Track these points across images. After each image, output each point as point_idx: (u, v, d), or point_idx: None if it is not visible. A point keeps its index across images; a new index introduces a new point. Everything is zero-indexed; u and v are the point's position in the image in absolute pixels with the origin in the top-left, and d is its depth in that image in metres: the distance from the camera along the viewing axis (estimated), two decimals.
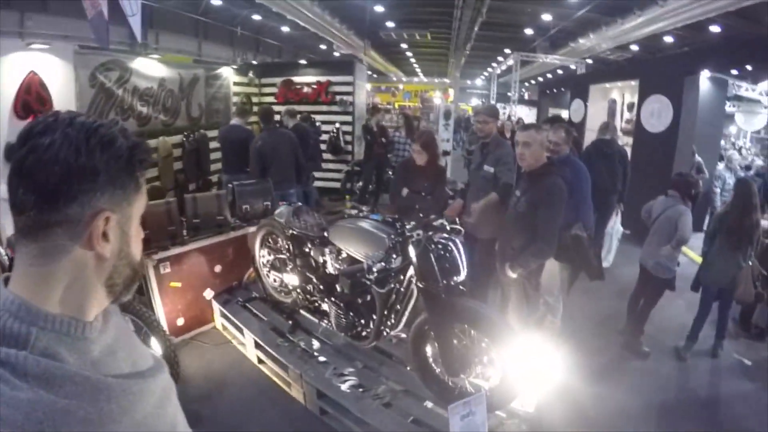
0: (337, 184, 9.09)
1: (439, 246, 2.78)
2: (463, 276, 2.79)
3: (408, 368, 3.17)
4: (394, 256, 2.82)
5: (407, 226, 2.84)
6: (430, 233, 2.81)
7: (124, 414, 0.71)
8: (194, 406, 3.22)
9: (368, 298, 3.05)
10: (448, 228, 2.92)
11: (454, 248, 2.80)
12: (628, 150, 7.83)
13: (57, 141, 0.68)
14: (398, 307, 2.97)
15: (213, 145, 7.03)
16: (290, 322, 3.80)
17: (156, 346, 3.06)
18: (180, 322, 3.98)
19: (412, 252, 2.74)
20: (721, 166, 7.85)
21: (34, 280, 0.71)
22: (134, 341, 0.89)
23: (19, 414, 0.60)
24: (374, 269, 2.76)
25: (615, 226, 6.04)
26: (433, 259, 2.69)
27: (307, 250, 3.65)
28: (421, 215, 3.00)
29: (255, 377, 3.61)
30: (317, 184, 8.51)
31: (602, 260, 5.96)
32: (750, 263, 3.97)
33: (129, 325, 3.02)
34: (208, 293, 4.16)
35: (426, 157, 4.03)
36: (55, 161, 0.68)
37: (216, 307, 4.18)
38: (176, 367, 3.12)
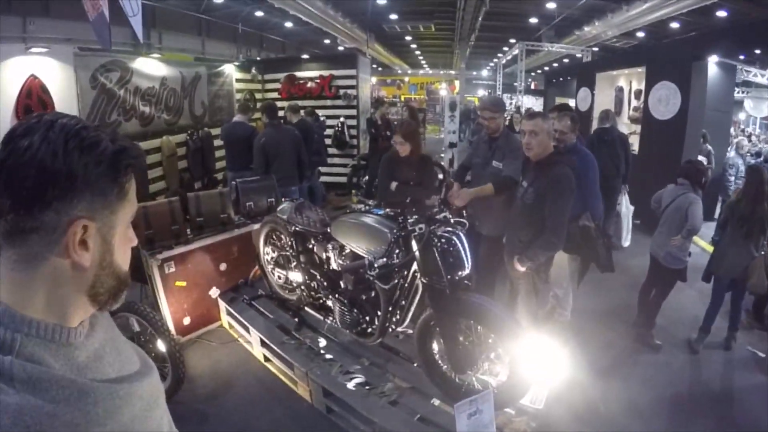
0: (344, 179, 9.03)
1: (443, 240, 2.70)
2: (467, 270, 2.73)
3: (415, 365, 3.14)
4: (397, 251, 2.77)
5: (409, 220, 2.78)
6: (433, 227, 2.74)
7: (110, 417, 0.70)
8: (201, 405, 3.24)
9: (372, 294, 3.00)
10: (451, 221, 2.86)
11: (457, 242, 2.72)
12: (637, 137, 7.76)
13: (35, 143, 0.66)
14: (403, 302, 2.92)
15: (217, 143, 7.03)
16: (296, 319, 3.78)
17: (161, 347, 3.05)
18: (186, 321, 3.99)
19: (414, 246, 2.68)
20: (732, 153, 7.72)
21: (16, 286, 0.70)
22: (122, 345, 0.88)
23: (7, 418, 0.60)
24: (376, 265, 2.72)
25: (627, 206, 5.98)
26: (436, 254, 2.63)
27: (310, 246, 3.61)
28: (413, 209, 2.94)
29: (261, 375, 3.60)
30: (323, 179, 8.47)
31: (621, 240, 5.92)
32: (762, 253, 3.89)
33: (134, 324, 3.05)
34: (214, 292, 4.15)
35: (409, 147, 3.97)
36: (31, 165, 0.66)
37: (222, 305, 4.17)
38: (181, 367, 3.10)
